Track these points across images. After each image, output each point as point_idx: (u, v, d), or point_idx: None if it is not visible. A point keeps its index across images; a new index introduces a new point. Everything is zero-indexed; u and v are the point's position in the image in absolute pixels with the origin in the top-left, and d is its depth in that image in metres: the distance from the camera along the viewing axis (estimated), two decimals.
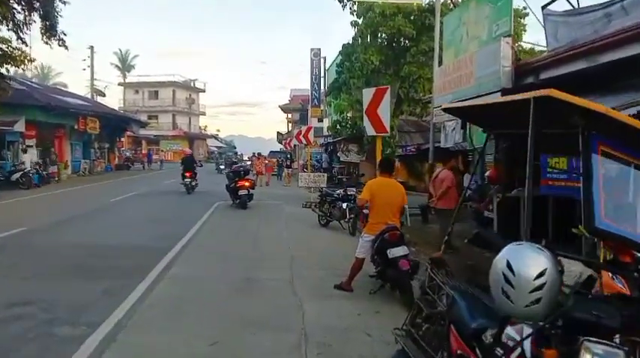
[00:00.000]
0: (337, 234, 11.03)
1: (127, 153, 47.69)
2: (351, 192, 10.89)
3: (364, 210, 6.95)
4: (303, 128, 25.37)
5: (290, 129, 65.97)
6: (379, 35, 22.34)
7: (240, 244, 9.51)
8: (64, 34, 18.46)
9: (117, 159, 40.95)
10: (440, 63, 14.96)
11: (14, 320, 5.12)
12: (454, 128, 12.96)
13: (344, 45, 24.33)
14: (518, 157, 9.18)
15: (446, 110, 4.89)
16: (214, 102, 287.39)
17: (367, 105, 9.66)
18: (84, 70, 44.84)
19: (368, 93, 9.66)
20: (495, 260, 2.19)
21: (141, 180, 29.28)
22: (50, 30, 18.09)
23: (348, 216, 10.79)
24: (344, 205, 11.03)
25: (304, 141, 24.41)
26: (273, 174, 29.34)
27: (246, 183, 15.03)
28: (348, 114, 24.78)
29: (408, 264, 5.56)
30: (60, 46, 18.49)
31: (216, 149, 77.90)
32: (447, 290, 3.10)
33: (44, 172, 24.31)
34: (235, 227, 11.67)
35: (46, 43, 18.27)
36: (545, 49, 11.29)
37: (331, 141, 30.14)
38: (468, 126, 11.96)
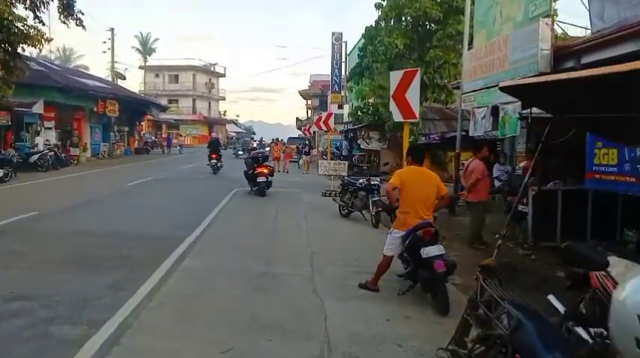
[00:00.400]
0: (359, 225, 10.48)
1: (148, 137, 47.65)
2: (375, 182, 10.31)
3: (386, 200, 6.34)
4: (324, 114, 24.76)
5: (309, 115, 65.36)
6: (404, 18, 21.52)
7: (258, 235, 9.02)
8: (82, 14, 18.08)
9: (136, 142, 40.86)
10: (470, 46, 14.17)
11: (10, 317, 4.69)
12: (484, 115, 12.25)
13: (367, 28, 23.55)
14: (557, 147, 8.52)
15: (504, 89, 4.25)
16: (234, 88, 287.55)
17: (394, 90, 9.02)
18: (104, 52, 44.40)
19: (395, 77, 9.01)
20: (621, 296, 1.58)
21: (160, 164, 29.06)
22: (67, 9, 17.70)
23: (371, 208, 10.22)
24: (367, 195, 10.47)
25: (324, 128, 23.80)
26: (291, 161, 28.86)
27: (265, 170, 14.54)
28: (370, 101, 24.06)
29: (443, 265, 4.98)
30: (77, 25, 18.11)
31: (235, 134, 77.77)
32: (508, 309, 2.53)
33: (63, 154, 24.18)
34: (253, 216, 11.19)
35: (64, 22, 17.90)
36: (583, 32, 10.52)
37: (351, 128, 29.48)
38: (500, 114, 11.24)
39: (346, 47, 39.90)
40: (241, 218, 10.98)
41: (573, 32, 10.79)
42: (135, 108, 38.17)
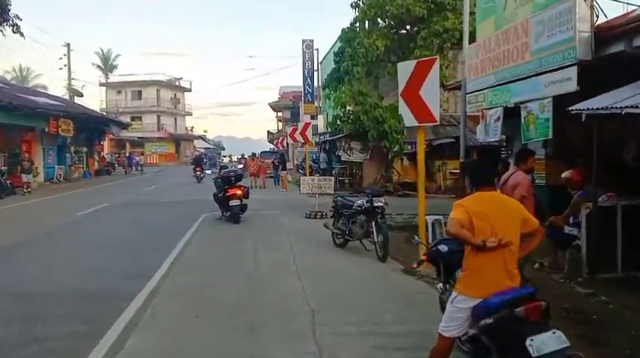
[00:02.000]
0: (362, 259, 8.37)
1: (109, 158, 44.68)
2: (379, 204, 8.23)
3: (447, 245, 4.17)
4: (299, 125, 22.70)
5: (280, 128, 63.37)
6: (384, 17, 19.75)
7: (233, 283, 6.80)
8: (19, 19, 15.64)
9: (96, 163, 37.96)
10: (471, 40, 12.39)
11: None
12: (499, 116, 10.33)
13: (343, 29, 21.72)
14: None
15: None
16: (202, 104, 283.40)
17: (404, 86, 7.04)
18: (60, 69, 41.51)
19: (405, 69, 7.02)
20: None
21: (119, 187, 26.47)
22: (1, 14, 15.24)
23: (375, 236, 8.14)
24: (368, 220, 8.41)
25: (300, 140, 21.74)
26: (269, 177, 26.81)
27: (239, 192, 12.34)
28: (349, 108, 22.14)
29: None
30: (15, 32, 15.69)
31: (203, 150, 74.99)
32: None
33: (8, 181, 21.41)
34: (225, 252, 8.97)
35: None
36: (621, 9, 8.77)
37: (329, 138, 27.49)
38: (522, 114, 9.34)
39: (318, 55, 38.10)
40: (211, 255, 8.73)
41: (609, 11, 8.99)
42: (93, 126, 35.40)
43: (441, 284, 4.30)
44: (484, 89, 10.73)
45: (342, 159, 23.04)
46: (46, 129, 26.44)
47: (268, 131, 68.59)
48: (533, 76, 8.72)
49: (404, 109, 7.04)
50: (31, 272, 7.57)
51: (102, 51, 69.18)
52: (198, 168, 26.97)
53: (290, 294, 6.17)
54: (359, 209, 8.59)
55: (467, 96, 11.58)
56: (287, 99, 57.26)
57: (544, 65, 8.40)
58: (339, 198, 9.49)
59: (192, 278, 7.06)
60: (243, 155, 30.74)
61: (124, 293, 6.14)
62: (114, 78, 69.05)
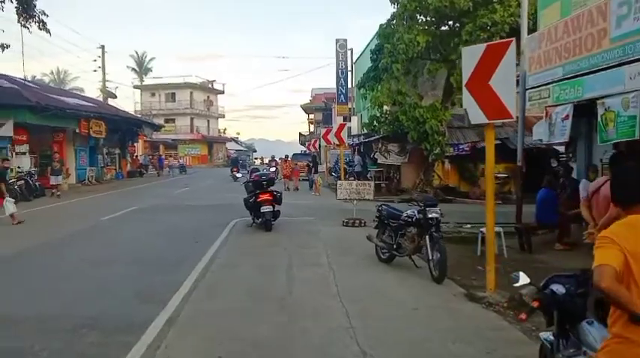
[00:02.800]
0: (413, 279, 7.21)
1: (143, 159, 44.59)
2: (434, 215, 7.04)
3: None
4: (334, 126, 21.64)
5: (312, 130, 62.45)
6: (425, 11, 18.49)
7: (265, 313, 5.68)
8: (45, 15, 15.05)
9: (129, 165, 37.76)
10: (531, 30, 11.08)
11: None
12: (567, 114, 9.01)
13: (381, 25, 20.54)
14: None
15: None
16: (235, 106, 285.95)
17: (470, 75, 5.85)
18: (95, 71, 41.61)
19: (472, 55, 5.85)
20: None
21: (150, 189, 25.90)
22: (27, 10, 14.69)
23: (430, 254, 6.95)
24: (420, 234, 7.24)
25: (335, 141, 20.66)
26: (303, 179, 25.89)
27: (271, 197, 11.33)
28: (386, 108, 20.94)
29: None
30: (40, 29, 15.12)
31: (233, 152, 74.79)
32: None
33: (37, 183, 21.04)
34: (255, 269, 7.89)
35: (24, 25, 14.90)
36: None
37: (364, 140, 26.32)
38: (599, 111, 8.00)
39: (352, 55, 36.96)
40: (240, 272, 7.69)
41: None
42: (126, 128, 35.14)
43: (549, 336, 3.11)
44: (549, 83, 9.43)
45: (379, 161, 21.83)
46: (77, 130, 26.10)
47: (300, 133, 67.85)
48: (615, 66, 7.42)
49: (469, 103, 5.85)
50: (26, 292, 6.63)
51: (137, 54, 69.80)
52: (235, 169, 29.44)
53: (334, 328, 5.06)
54: (409, 220, 7.42)
55: (527, 91, 10.25)
56: (319, 101, 56.33)
57: (629, 54, 7.10)
58: (384, 206, 8.32)
59: (218, 302, 6.01)
60: (273, 157, 29.62)
61: (134, 321, 5.16)
62: (148, 80, 69.65)
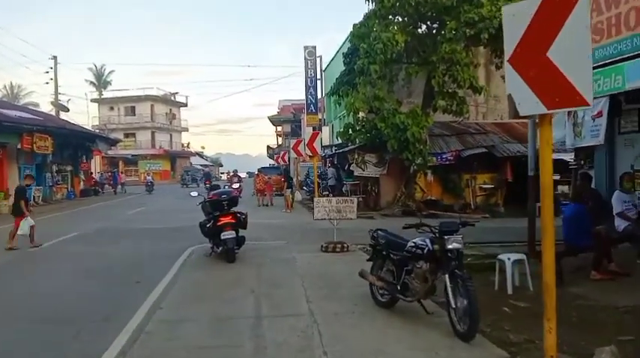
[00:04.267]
0: (429, 334, 5.24)
1: (99, 177, 41.54)
2: (455, 245, 5.11)
3: None
4: (306, 135, 19.72)
5: (281, 142, 60.51)
6: (403, 9, 16.84)
7: None
8: None
9: (82, 183, 34.84)
10: None
11: None
12: (600, 111, 7.30)
13: (355, 25, 18.77)
14: None
15: None
16: (199, 121, 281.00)
17: (515, 45, 3.97)
18: (47, 83, 38.63)
19: (517, 16, 3.95)
20: None
21: (101, 210, 23.34)
22: None
23: (453, 302, 5.01)
24: (433, 271, 5.31)
25: (308, 153, 18.71)
26: (277, 195, 24.03)
27: (233, 221, 9.24)
28: (362, 115, 19.16)
29: None
30: None
31: (201, 167, 72.02)
32: None
33: None
34: (213, 325, 5.76)
35: None
36: None
37: (338, 151, 24.47)
38: None
39: (321, 63, 35.26)
40: (185, 333, 5.48)
41: None
42: (77, 143, 32.38)
43: None
44: None
45: (355, 174, 19.96)
46: (19, 146, 23.34)
47: (268, 146, 65.78)
48: None
49: (515, 86, 3.96)
50: None
51: (95, 67, 66.55)
52: (207, 181, 31.70)
53: None
54: (418, 253, 5.48)
55: None
56: (287, 112, 54.53)
57: None
58: (380, 232, 6.35)
59: None
60: (235, 171, 27.44)
61: None
62: (107, 94, 66.44)
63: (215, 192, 9.97)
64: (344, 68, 20.25)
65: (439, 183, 19.48)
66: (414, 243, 5.58)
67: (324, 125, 33.67)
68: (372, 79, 16.87)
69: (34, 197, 26.44)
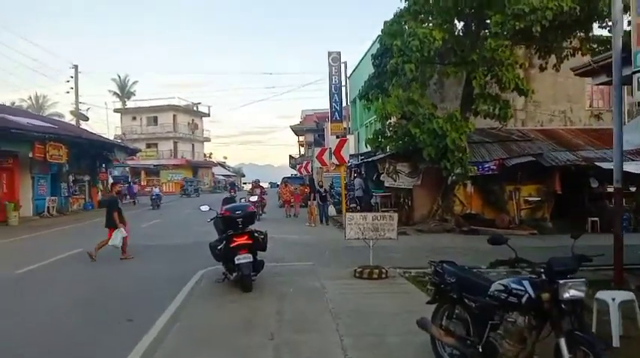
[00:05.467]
0: None
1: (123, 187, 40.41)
2: (574, 294, 3.39)
3: None
4: (332, 142, 18.12)
5: (303, 152, 59.14)
6: (442, 3, 15.19)
7: None
8: None
9: (100, 194, 33.81)
10: None
11: None
12: None
13: (386, 23, 17.16)
14: None
15: None
16: (223, 132, 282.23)
17: None
18: (67, 92, 37.91)
19: None
20: None
21: None
22: None
23: None
24: (528, 324, 3.60)
25: (335, 162, 17.10)
26: (301, 206, 23.27)
27: (249, 241, 7.63)
28: (392, 120, 17.49)
29: None
30: None
31: (223, 178, 71.12)
32: None
33: None
34: None
35: None
36: None
37: (366, 159, 22.81)
38: None
39: (346, 69, 33.70)
40: None
41: None
42: (95, 152, 31.43)
43: None
44: None
45: (386, 184, 18.21)
46: (31, 155, 22.28)
47: (290, 156, 64.40)
48: None
49: None
50: None
51: (119, 77, 66.47)
52: (232, 190, 33.63)
53: None
54: (511, 300, 3.75)
55: (636, 75, 6.75)
56: (310, 122, 53.16)
57: None
58: (448, 267, 4.63)
59: None
60: (257, 182, 24.67)
61: None
62: (130, 104, 66.25)
63: (227, 207, 8.29)
64: (372, 71, 18.58)
65: (479, 196, 17.60)
66: (503, 285, 3.86)
67: (349, 133, 32.03)
68: (407, 79, 15.17)
69: (48, 208, 25.51)
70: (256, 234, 7.79)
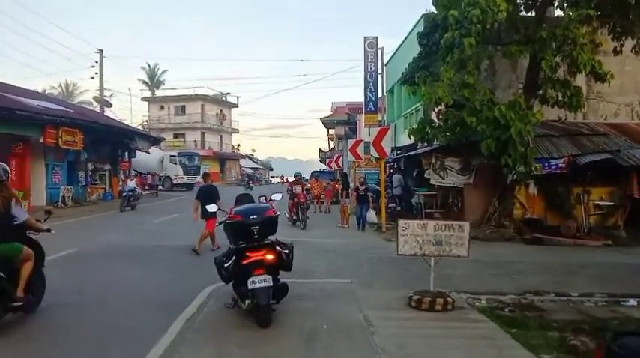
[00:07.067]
0: None
1: (146, 178, 38.96)
2: None
3: None
4: (371, 132, 15.79)
5: (333, 146, 56.83)
6: None
7: None
8: None
9: (121, 183, 32.29)
10: None
11: None
12: None
13: None
14: None
15: None
16: (252, 125, 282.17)
17: None
18: (92, 78, 36.56)
19: None
20: None
21: (126, 216, 20.21)
22: None
23: None
24: None
25: (375, 154, 14.83)
26: (333, 203, 22.37)
27: (270, 256, 5.45)
28: (440, 108, 15.01)
29: None
30: None
31: (251, 170, 69.44)
32: None
33: None
34: None
35: None
36: None
37: (406, 153, 20.41)
38: None
39: (382, 56, 31.18)
40: None
41: None
42: (116, 140, 29.88)
43: None
44: None
45: (432, 182, 15.80)
46: (41, 140, 20.68)
47: (320, 149, 62.13)
48: None
49: None
50: None
51: (148, 66, 65.43)
52: (250, 182, 37.11)
53: None
54: None
55: None
56: (340, 114, 50.77)
57: None
58: (630, 342, 2.35)
59: None
60: (300, 176, 19.69)
61: None
62: (159, 93, 65.20)
63: (239, 209, 5.94)
64: (420, 50, 16.15)
65: (542, 198, 15.04)
66: None
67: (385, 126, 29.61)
68: (465, 56, 12.72)
69: (63, 198, 23.91)
70: (278, 249, 5.58)
